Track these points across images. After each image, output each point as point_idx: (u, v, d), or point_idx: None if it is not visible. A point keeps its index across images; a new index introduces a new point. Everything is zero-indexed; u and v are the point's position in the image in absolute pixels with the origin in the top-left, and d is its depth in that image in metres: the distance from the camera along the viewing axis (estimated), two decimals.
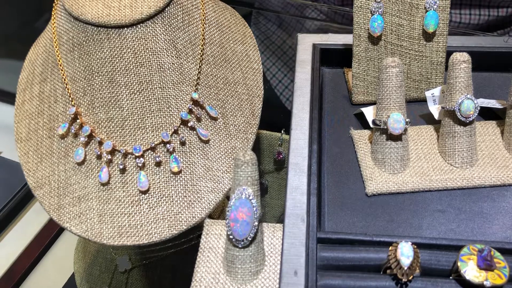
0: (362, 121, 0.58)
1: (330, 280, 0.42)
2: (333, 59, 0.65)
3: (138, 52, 0.51)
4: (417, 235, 0.47)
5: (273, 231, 0.48)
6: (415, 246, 0.41)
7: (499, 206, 0.49)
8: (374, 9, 0.55)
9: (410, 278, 0.40)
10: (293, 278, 0.41)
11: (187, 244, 0.55)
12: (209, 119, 0.53)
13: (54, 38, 0.54)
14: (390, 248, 0.41)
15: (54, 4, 0.55)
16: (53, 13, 0.55)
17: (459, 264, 0.40)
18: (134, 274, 0.72)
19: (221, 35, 0.57)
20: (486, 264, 0.39)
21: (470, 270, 0.39)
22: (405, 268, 0.39)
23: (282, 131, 0.75)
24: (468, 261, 0.40)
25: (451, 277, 0.41)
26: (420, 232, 0.47)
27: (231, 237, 0.44)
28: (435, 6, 0.54)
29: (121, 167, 0.50)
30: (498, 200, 0.49)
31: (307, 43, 0.64)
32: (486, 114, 0.58)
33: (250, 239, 0.44)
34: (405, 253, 0.40)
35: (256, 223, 0.43)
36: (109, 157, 0.50)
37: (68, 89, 0.52)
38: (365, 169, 0.52)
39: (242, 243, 0.44)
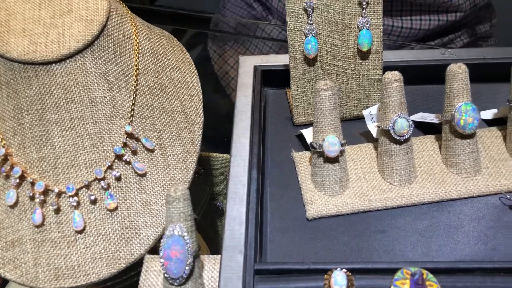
0: (304, 142, 0.58)
1: None
2: (276, 80, 0.65)
3: (68, 88, 0.50)
4: (357, 258, 0.47)
5: (214, 263, 0.47)
6: (350, 274, 0.41)
7: (438, 222, 0.49)
8: (307, 31, 0.55)
9: None
10: None
11: (128, 281, 0.54)
12: (145, 151, 0.52)
13: None
14: (325, 276, 0.41)
15: None
16: None
17: None
18: None
19: (157, 64, 0.56)
20: (416, 286, 0.39)
21: None
22: None
23: None
24: (402, 286, 0.40)
25: None
26: (360, 255, 0.47)
27: (166, 275, 0.43)
28: (368, 25, 0.55)
29: (54, 207, 0.49)
30: (437, 216, 0.50)
31: (248, 66, 0.64)
32: (427, 128, 0.58)
33: (185, 276, 0.43)
34: (338, 282, 0.39)
35: (191, 260, 0.42)
36: (42, 197, 0.49)
37: None
38: (306, 193, 0.52)
39: (178, 281, 0.42)
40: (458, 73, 0.50)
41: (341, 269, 0.41)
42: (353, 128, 0.59)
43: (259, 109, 0.59)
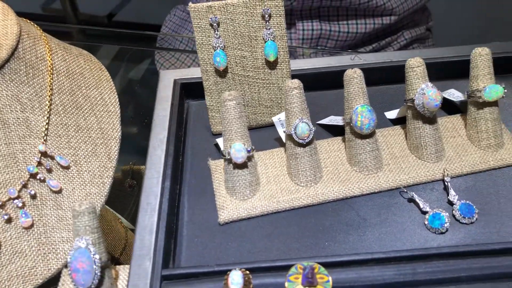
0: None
1: None
2: (198, 92, 0.67)
3: None
4: (265, 257, 0.49)
5: (124, 271, 0.49)
6: (248, 273, 0.43)
7: (341, 219, 0.52)
8: (215, 45, 0.58)
9: None
10: None
11: None
12: (60, 169, 0.53)
13: None
14: (225, 277, 0.43)
15: None
16: None
17: (286, 284, 0.42)
18: None
19: (72, 83, 0.58)
20: (308, 282, 0.41)
21: None
22: None
23: None
24: (296, 280, 0.42)
25: None
26: (268, 254, 0.49)
27: (75, 287, 0.44)
28: (272, 36, 0.58)
29: None
30: (340, 213, 0.53)
31: (168, 80, 0.66)
32: (338, 130, 0.61)
33: (94, 287, 0.44)
34: (235, 281, 0.42)
35: (98, 271, 0.44)
36: None
37: None
38: (219, 198, 0.54)
39: None
40: (353, 77, 0.54)
41: (240, 269, 0.43)
42: (268, 134, 0.62)
43: (178, 121, 0.61)
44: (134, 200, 0.74)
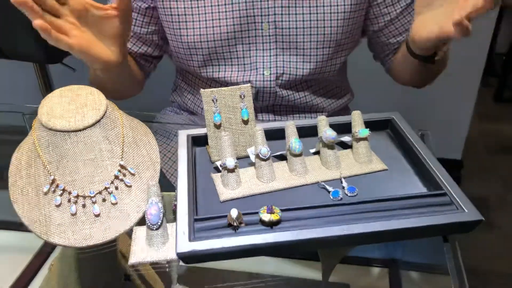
0: (217, 169, 1.04)
1: (201, 234, 0.84)
2: (200, 141, 1.12)
3: (88, 143, 0.94)
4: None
5: (172, 226, 0.90)
6: (240, 211, 0.85)
7: (285, 200, 0.96)
8: (214, 110, 1.05)
9: (238, 223, 0.84)
10: (182, 237, 0.83)
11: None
12: (130, 175, 0.95)
13: (35, 140, 0.95)
14: (227, 215, 0.85)
15: (34, 121, 0.97)
16: (33, 126, 0.96)
17: (260, 213, 0.85)
18: None
19: (133, 131, 1.02)
20: (269, 210, 0.84)
21: (264, 215, 0.84)
22: (233, 217, 0.83)
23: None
24: (263, 211, 0.85)
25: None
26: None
27: (148, 223, 0.85)
28: (245, 106, 1.06)
29: (82, 203, 0.90)
30: (283, 197, 0.96)
31: (184, 135, 1.11)
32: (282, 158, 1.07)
33: (159, 224, 0.85)
34: (233, 214, 0.84)
35: (162, 216, 0.85)
36: (75, 200, 0.90)
37: (47, 168, 0.92)
38: (218, 190, 0.97)
39: (155, 226, 0.85)
40: (289, 126, 1.01)
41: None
42: (245, 162, 1.07)
43: (192, 159, 1.06)
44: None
